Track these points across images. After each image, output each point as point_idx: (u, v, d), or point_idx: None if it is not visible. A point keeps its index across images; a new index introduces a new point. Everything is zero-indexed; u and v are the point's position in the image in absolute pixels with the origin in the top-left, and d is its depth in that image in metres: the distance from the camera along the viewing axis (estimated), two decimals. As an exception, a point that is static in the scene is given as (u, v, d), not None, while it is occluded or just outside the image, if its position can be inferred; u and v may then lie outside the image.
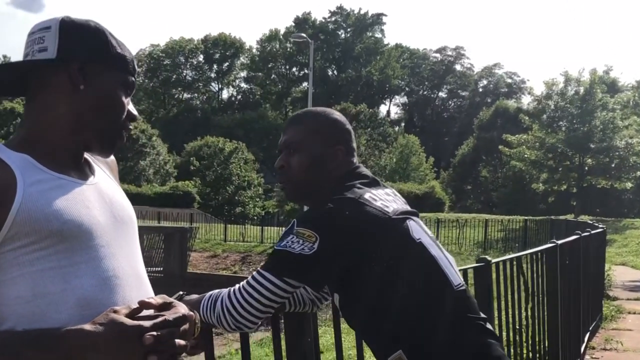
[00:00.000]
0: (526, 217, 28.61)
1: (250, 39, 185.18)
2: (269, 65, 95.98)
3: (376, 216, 2.09)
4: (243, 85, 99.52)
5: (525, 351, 5.37)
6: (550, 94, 39.22)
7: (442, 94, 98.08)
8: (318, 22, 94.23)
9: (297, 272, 2.08)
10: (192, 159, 51.66)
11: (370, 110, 66.61)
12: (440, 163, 67.78)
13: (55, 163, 1.68)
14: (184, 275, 20.76)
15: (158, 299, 1.63)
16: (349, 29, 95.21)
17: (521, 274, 5.22)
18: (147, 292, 1.73)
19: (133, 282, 1.70)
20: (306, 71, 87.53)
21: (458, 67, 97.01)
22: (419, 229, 2.19)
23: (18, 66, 1.76)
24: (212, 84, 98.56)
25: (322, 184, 2.27)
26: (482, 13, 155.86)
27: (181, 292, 2.28)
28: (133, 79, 1.80)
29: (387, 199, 2.21)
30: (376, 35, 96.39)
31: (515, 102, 75.16)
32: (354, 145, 2.38)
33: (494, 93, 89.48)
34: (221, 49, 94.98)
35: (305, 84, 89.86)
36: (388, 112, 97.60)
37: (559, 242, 6.31)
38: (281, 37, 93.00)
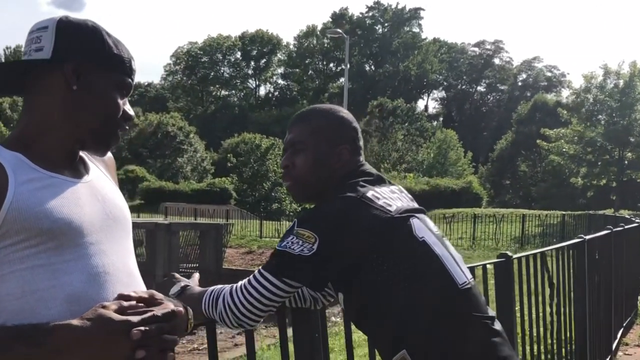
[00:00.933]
0: (564, 212, 28.24)
1: (288, 36, 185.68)
2: (306, 61, 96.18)
3: (378, 215, 2.07)
4: (280, 81, 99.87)
5: (550, 347, 5.29)
6: (589, 87, 38.63)
7: (480, 88, 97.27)
8: (355, 18, 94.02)
9: (297, 274, 2.08)
10: (229, 155, 51.84)
11: (408, 105, 66.31)
12: (478, 158, 67.25)
13: (48, 162, 1.69)
14: (220, 271, 20.80)
15: (144, 294, 1.63)
16: (386, 24, 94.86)
17: (545, 269, 5.14)
18: (138, 289, 1.72)
19: (124, 279, 1.70)
20: (343, 67, 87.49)
21: (497, 61, 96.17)
22: (423, 227, 2.16)
23: (15, 66, 1.80)
24: (250, 80, 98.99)
25: (327, 183, 2.25)
26: (521, 6, 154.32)
27: (183, 284, 2.29)
28: (130, 79, 1.80)
29: (391, 197, 2.18)
30: (414, 30, 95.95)
31: (555, 95, 74.24)
32: (361, 143, 2.37)
33: (533, 87, 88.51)
34: (258, 46, 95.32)
35: (342, 79, 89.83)
36: (426, 106, 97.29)
37: (587, 237, 6.20)
38: (318, 33, 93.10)
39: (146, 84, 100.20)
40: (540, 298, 5.04)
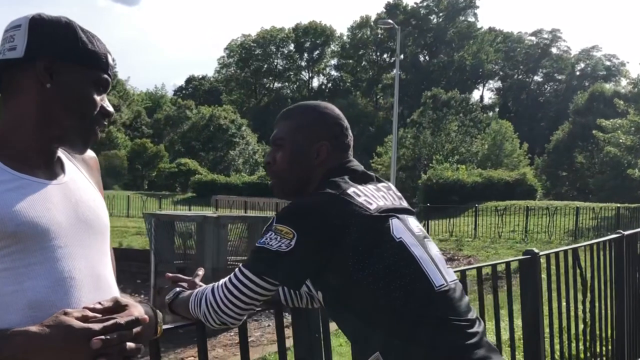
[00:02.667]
0: (620, 205, 27.60)
1: (341, 26, 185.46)
2: (360, 53, 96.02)
3: (356, 212, 2.05)
4: (333, 73, 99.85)
5: (584, 347, 5.10)
6: (648, 77, 37.71)
7: (537, 78, 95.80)
8: (409, 8, 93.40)
9: (274, 270, 2.06)
10: (281, 148, 51.97)
11: (462, 95, 65.68)
12: (534, 149, 66.36)
13: (21, 163, 1.67)
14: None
15: (109, 302, 1.61)
16: (441, 14, 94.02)
17: (578, 265, 4.95)
18: (107, 295, 1.69)
19: (91, 284, 1.67)
20: (396, 58, 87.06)
21: (554, 50, 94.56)
22: (402, 227, 2.12)
23: None
24: (303, 72, 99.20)
25: (307, 180, 2.26)
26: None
27: (177, 290, 2.30)
28: (106, 75, 1.77)
29: (374, 195, 2.16)
30: (469, 20, 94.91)
31: (614, 85, 72.70)
32: (347, 140, 2.33)
33: (591, 76, 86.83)
34: (312, 37, 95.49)
35: (395, 70, 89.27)
36: (481, 97, 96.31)
37: (626, 232, 5.98)
38: (372, 23, 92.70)
39: (200, 77, 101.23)
40: (572, 296, 4.86)
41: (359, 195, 2.10)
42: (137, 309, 1.63)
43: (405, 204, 2.29)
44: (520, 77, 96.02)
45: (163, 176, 53.67)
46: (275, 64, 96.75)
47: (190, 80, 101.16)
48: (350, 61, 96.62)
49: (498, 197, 33.41)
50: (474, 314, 2.13)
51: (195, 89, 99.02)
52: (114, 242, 24.34)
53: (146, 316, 1.62)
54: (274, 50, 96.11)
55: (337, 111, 2.37)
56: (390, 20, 40.49)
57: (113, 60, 1.82)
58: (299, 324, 2.69)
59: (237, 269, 2.11)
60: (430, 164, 43.86)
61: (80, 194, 1.76)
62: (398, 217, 2.14)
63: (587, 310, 5.11)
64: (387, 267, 2.02)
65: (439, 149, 53.25)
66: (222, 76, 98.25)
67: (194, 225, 21.34)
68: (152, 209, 30.50)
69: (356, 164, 2.29)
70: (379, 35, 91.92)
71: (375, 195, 2.16)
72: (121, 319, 1.54)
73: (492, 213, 26.07)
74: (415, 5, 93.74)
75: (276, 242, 2.02)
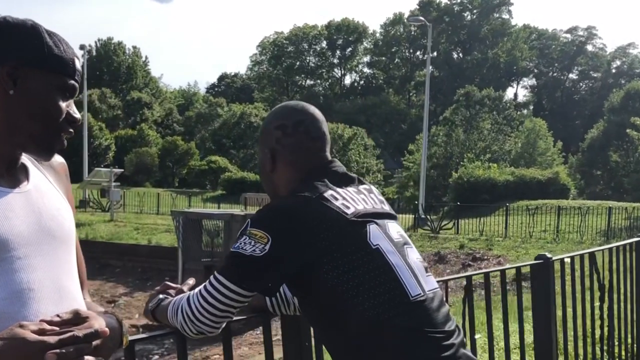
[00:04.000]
0: (654, 205, 27.19)
1: (374, 24, 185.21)
2: (392, 50, 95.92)
3: (332, 217, 2.00)
4: (366, 70, 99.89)
5: (600, 352, 4.94)
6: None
7: (572, 76, 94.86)
8: (443, 5, 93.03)
9: (248, 277, 2.00)
10: (311, 145, 52.10)
11: (496, 93, 65.19)
12: (569, 147, 65.73)
13: None
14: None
15: (68, 314, 1.55)
16: (474, 11, 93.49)
17: (595, 270, 4.78)
18: (70, 307, 1.62)
19: (51, 296, 1.62)
20: (431, 54, 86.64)
21: (590, 48, 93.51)
22: (380, 234, 2.07)
23: None
24: (335, 69, 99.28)
25: (277, 183, 2.25)
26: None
27: (161, 297, 2.24)
28: (73, 81, 1.72)
29: (354, 198, 2.11)
30: (503, 16, 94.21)
31: (651, 82, 71.66)
32: (320, 144, 2.25)
33: (627, 74, 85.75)
34: (344, 35, 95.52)
35: (429, 67, 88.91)
36: (515, 94, 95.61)
37: (645, 236, 5.80)
38: (405, 20, 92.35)
39: (232, 74, 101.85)
40: (588, 301, 4.70)
41: (337, 199, 2.05)
42: (98, 321, 1.56)
43: (387, 207, 2.25)
44: (555, 74, 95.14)
45: (193, 174, 53.98)
46: (308, 61, 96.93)
47: (222, 77, 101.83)
48: (383, 58, 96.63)
49: (530, 196, 33.09)
50: (452, 324, 2.08)
51: (227, 87, 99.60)
52: (143, 239, 24.57)
53: (106, 329, 1.55)
54: (306, 47, 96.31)
55: (310, 112, 2.29)
56: (421, 18, 40.26)
57: (81, 65, 1.78)
58: (288, 332, 2.61)
59: (211, 276, 2.05)
60: (462, 163, 43.56)
61: (44, 202, 1.71)
62: (376, 223, 2.08)
63: (605, 315, 4.95)
64: (361, 274, 1.97)
65: (472, 147, 52.90)
66: (254, 74, 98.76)
67: (221, 223, 21.48)
68: (181, 206, 30.70)
69: (337, 165, 2.24)
70: (412, 32, 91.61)
71: (355, 199, 2.11)
72: (79, 331, 1.48)
73: (523, 212, 25.82)
74: (448, 2, 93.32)
75: (250, 246, 1.97)
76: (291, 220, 1.99)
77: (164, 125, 65.74)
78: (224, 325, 2.10)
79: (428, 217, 27.09)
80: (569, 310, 4.52)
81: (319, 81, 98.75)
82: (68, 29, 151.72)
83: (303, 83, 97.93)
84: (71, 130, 1.75)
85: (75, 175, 41.86)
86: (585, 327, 4.62)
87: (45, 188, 1.75)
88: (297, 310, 2.44)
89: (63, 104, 1.70)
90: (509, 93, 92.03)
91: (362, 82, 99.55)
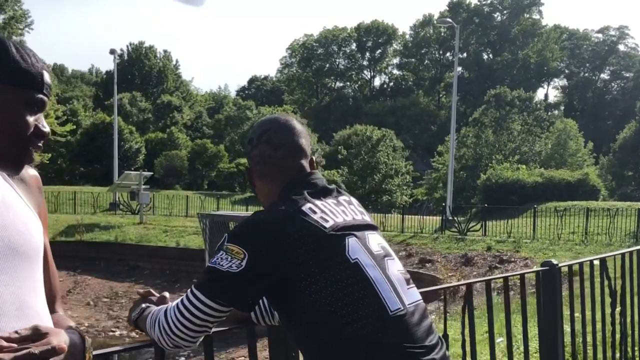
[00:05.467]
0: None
1: (403, 25, 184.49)
2: (422, 51, 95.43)
3: (310, 231, 2.00)
4: (395, 72, 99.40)
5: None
6: None
7: (604, 76, 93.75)
8: (472, 6, 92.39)
9: (224, 293, 2.00)
10: (339, 147, 52.04)
11: (527, 94, 64.62)
12: (601, 148, 65.02)
13: None
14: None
15: (27, 331, 1.53)
16: (505, 11, 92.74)
17: (606, 276, 4.74)
18: (31, 323, 1.60)
19: (12, 312, 1.61)
20: (460, 56, 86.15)
21: (621, 47, 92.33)
22: (358, 247, 2.05)
23: None
24: (365, 71, 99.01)
25: (262, 197, 2.29)
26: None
27: (143, 306, 2.24)
28: (41, 95, 1.71)
29: (332, 211, 2.10)
30: (533, 17, 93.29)
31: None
32: (282, 152, 2.24)
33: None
34: (374, 36, 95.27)
35: (459, 68, 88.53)
36: (546, 95, 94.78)
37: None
38: (435, 22, 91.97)
39: (262, 77, 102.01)
40: (598, 308, 4.65)
41: (315, 212, 2.04)
42: (58, 338, 1.55)
43: (367, 218, 2.22)
44: (586, 74, 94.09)
45: (222, 176, 54.07)
46: (337, 63, 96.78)
47: (252, 80, 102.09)
48: (413, 60, 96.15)
49: (559, 198, 32.77)
50: (434, 338, 2.06)
51: (257, 89, 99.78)
52: (171, 241, 24.67)
53: (65, 345, 1.54)
54: (336, 49, 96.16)
55: (259, 123, 2.36)
56: (449, 19, 40.00)
57: (51, 78, 1.76)
58: (274, 342, 2.61)
59: (189, 290, 2.05)
60: (490, 164, 43.27)
61: (10, 217, 1.69)
62: (356, 236, 2.07)
63: (617, 322, 4.89)
64: (340, 289, 1.96)
65: (501, 148, 52.52)
66: (284, 76, 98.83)
67: None
68: (210, 209, 30.82)
69: (317, 177, 2.24)
70: (442, 34, 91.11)
71: (334, 211, 2.10)
72: (35, 348, 1.47)
73: (551, 214, 25.58)
74: (478, 3, 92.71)
75: (227, 262, 1.97)
76: (268, 236, 1.98)
77: (193, 128, 66.06)
78: (201, 339, 2.10)
79: (455, 218, 26.94)
80: (577, 315, 4.48)
81: (348, 83, 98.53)
82: (100, 33, 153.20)
83: (332, 85, 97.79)
84: (40, 144, 1.74)
85: (105, 179, 42.35)
86: (595, 334, 4.57)
87: (12, 201, 1.73)
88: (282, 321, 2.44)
89: (31, 118, 1.69)
90: (540, 94, 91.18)
91: (391, 84, 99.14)
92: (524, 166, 41.46)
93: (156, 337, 2.08)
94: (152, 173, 36.63)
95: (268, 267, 1.96)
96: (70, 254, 24.98)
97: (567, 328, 4.48)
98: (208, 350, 2.27)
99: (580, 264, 4.48)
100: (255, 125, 2.35)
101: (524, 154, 52.99)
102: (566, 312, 4.46)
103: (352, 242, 2.04)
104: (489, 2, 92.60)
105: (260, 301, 2.32)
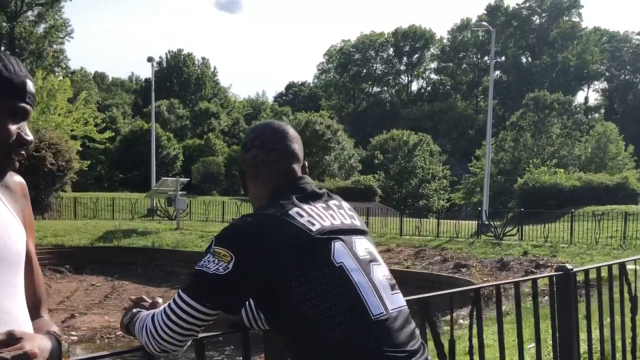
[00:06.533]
0: None
1: (441, 29, 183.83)
2: (460, 55, 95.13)
3: (296, 234, 2.01)
4: (433, 76, 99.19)
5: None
6: None
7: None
8: (511, 9, 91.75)
9: (211, 295, 2.01)
10: (376, 152, 52.00)
11: (566, 97, 63.93)
12: (643, 151, 64.09)
13: None
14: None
15: (1, 335, 1.56)
16: (543, 14, 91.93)
17: (626, 281, 4.66)
18: (8, 328, 1.63)
19: None
20: (498, 59, 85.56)
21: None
22: (344, 251, 2.07)
23: None
24: (402, 76, 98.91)
25: (253, 200, 2.31)
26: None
27: (134, 310, 2.25)
28: (24, 104, 1.73)
29: (321, 215, 2.12)
30: (573, 19, 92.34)
31: None
32: (274, 155, 2.27)
33: None
34: (411, 41, 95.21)
35: (498, 72, 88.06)
36: (586, 98, 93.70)
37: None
38: (472, 26, 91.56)
39: (300, 83, 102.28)
40: (617, 313, 4.57)
41: (302, 216, 2.06)
42: (31, 343, 1.57)
43: (357, 222, 2.24)
44: (627, 77, 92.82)
45: (259, 182, 54.08)
46: (374, 68, 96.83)
47: (290, 86, 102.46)
48: (450, 64, 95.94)
49: (598, 202, 32.27)
50: (416, 344, 2.07)
51: (295, 95, 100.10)
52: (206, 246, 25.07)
53: (37, 350, 1.55)
54: (373, 54, 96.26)
55: (252, 128, 2.39)
56: (485, 23, 39.79)
57: (35, 86, 1.78)
58: (270, 346, 2.60)
59: (176, 294, 2.07)
60: (527, 168, 42.88)
61: None
62: (342, 240, 2.08)
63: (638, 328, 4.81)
64: (323, 292, 1.98)
65: (540, 151, 52.02)
66: (321, 82, 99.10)
67: None
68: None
69: (306, 182, 2.25)
70: (480, 37, 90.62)
71: (323, 215, 2.11)
72: (8, 353, 1.49)
73: (589, 218, 25.20)
74: (517, 7, 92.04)
75: (214, 265, 1.99)
76: (254, 239, 2.00)
77: (230, 134, 66.38)
78: (188, 343, 2.10)
79: (492, 223, 26.69)
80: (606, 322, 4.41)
81: (385, 88, 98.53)
82: (140, 41, 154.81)
83: (370, 90, 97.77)
84: (22, 152, 1.77)
85: (144, 185, 42.70)
86: (614, 341, 4.50)
87: None
88: None
89: (13, 127, 1.71)
90: (580, 97, 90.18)
91: (429, 88, 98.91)
92: (561, 170, 40.99)
93: (144, 341, 2.09)
94: (188, 179, 36.87)
95: (254, 270, 1.98)
96: (108, 259, 25.26)
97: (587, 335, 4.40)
98: (200, 353, 2.26)
99: (598, 269, 4.41)
100: (250, 130, 2.39)
101: (563, 158, 52.41)
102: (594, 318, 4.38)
103: (338, 246, 2.06)
104: (527, 5, 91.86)
105: (253, 306, 2.35)
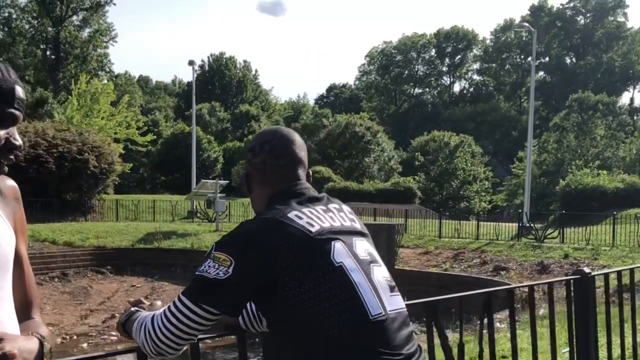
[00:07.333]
0: None
1: (484, 30, 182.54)
2: (503, 56, 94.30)
3: (296, 236, 2.05)
4: (475, 77, 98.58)
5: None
6: None
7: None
8: (555, 9, 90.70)
9: (212, 299, 2.04)
10: (417, 154, 51.77)
11: (610, 98, 63.02)
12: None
13: None
14: (391, 271, 20.62)
15: None
16: (588, 15, 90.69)
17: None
18: None
19: None
20: (542, 60, 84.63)
21: None
22: (344, 251, 2.09)
23: None
24: (444, 77, 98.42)
25: (255, 202, 2.34)
26: None
27: (132, 309, 2.28)
28: (12, 109, 1.75)
29: (321, 217, 2.15)
30: (618, 19, 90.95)
31: None
32: (282, 161, 2.31)
33: None
34: (453, 42, 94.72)
35: (541, 73, 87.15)
36: (631, 99, 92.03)
37: None
38: (515, 26, 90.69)
39: (341, 85, 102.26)
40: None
41: (301, 218, 2.09)
42: (11, 343, 1.59)
43: (357, 225, 2.27)
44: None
45: (298, 184, 54.22)
46: (416, 69, 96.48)
47: (331, 88, 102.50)
48: (493, 65, 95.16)
49: (643, 204, 31.73)
50: (412, 347, 2.08)
51: (336, 97, 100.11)
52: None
53: (16, 351, 1.57)
54: (415, 56, 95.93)
55: (261, 133, 2.42)
56: (526, 24, 39.44)
57: (23, 92, 1.80)
58: (267, 349, 2.60)
59: (176, 298, 2.09)
60: (570, 170, 42.36)
61: None
62: (342, 240, 2.11)
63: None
64: (323, 292, 2.00)
65: (583, 153, 51.36)
66: (363, 83, 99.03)
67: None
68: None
69: (304, 187, 2.28)
70: (523, 38, 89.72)
71: (322, 217, 2.14)
72: None
73: (632, 221, 24.80)
74: (561, 7, 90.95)
75: (214, 269, 2.02)
76: (254, 243, 2.03)
77: (271, 137, 66.59)
78: (185, 347, 2.13)
79: (533, 225, 26.38)
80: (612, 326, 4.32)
81: (427, 89, 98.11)
82: (183, 44, 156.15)
83: (411, 92, 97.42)
84: (12, 156, 1.78)
85: (185, 187, 43.02)
86: (636, 348, 4.40)
87: None
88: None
89: (1, 132, 1.73)
90: (625, 98, 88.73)
91: (471, 89, 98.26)
92: (604, 172, 40.38)
93: (141, 342, 2.11)
94: (228, 181, 37.05)
95: (254, 273, 2.01)
96: (148, 261, 25.48)
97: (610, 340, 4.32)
98: (195, 356, 2.27)
99: (619, 272, 4.31)
100: (257, 134, 2.41)
101: (607, 160, 51.67)
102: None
103: (338, 246, 2.08)
104: (571, 5, 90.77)
105: (249, 308, 2.38)
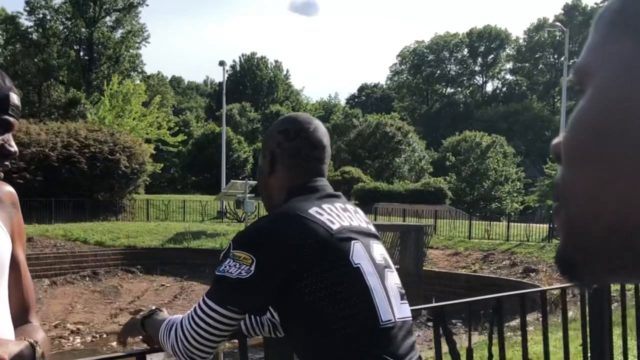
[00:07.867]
0: None
1: (517, 30, 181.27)
2: (536, 55, 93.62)
3: (316, 231, 1.98)
4: (508, 77, 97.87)
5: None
6: None
7: None
8: (589, 8, 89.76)
9: (237, 299, 2.00)
10: (448, 154, 51.51)
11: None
12: None
13: None
14: (419, 272, 20.54)
15: None
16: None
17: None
18: None
19: None
20: (575, 59, 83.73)
21: None
22: (363, 253, 2.04)
23: None
24: (476, 77, 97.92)
25: (270, 197, 2.24)
26: None
27: (153, 307, 2.29)
28: (6, 116, 1.75)
29: (339, 215, 2.08)
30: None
31: None
32: (317, 152, 2.22)
33: None
34: (486, 42, 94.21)
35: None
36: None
37: None
38: (547, 26, 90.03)
39: (372, 85, 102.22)
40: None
41: (322, 214, 2.03)
42: (1, 348, 1.59)
43: (372, 228, 2.21)
44: None
45: (328, 184, 54.28)
46: (448, 69, 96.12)
47: (362, 88, 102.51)
48: (526, 64, 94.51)
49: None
50: (414, 356, 2.05)
51: (367, 97, 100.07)
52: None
53: (5, 356, 1.58)
54: (447, 55, 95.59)
55: (293, 117, 2.28)
56: (558, 23, 39.09)
57: (19, 98, 1.80)
58: (271, 354, 2.59)
59: (200, 300, 2.06)
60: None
61: None
62: (360, 242, 2.06)
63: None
64: (338, 292, 1.95)
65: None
66: (394, 83, 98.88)
67: (395, 235, 21.66)
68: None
69: (323, 184, 2.20)
70: (557, 37, 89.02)
71: (341, 215, 2.08)
72: None
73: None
74: (595, 6, 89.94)
75: (236, 269, 1.96)
76: (274, 239, 1.98)
77: (301, 137, 66.76)
78: (214, 352, 2.10)
79: (564, 227, 26.09)
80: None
81: (459, 89, 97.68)
82: (215, 45, 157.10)
83: (443, 91, 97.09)
84: (7, 162, 1.78)
85: (215, 187, 43.20)
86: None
87: None
88: (271, 332, 2.43)
89: None
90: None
91: (504, 89, 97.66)
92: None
93: (170, 345, 2.09)
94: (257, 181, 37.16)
95: (277, 270, 1.96)
96: (177, 260, 25.67)
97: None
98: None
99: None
100: (288, 118, 2.29)
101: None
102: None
103: (357, 247, 2.03)
104: (605, 4, 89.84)
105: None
